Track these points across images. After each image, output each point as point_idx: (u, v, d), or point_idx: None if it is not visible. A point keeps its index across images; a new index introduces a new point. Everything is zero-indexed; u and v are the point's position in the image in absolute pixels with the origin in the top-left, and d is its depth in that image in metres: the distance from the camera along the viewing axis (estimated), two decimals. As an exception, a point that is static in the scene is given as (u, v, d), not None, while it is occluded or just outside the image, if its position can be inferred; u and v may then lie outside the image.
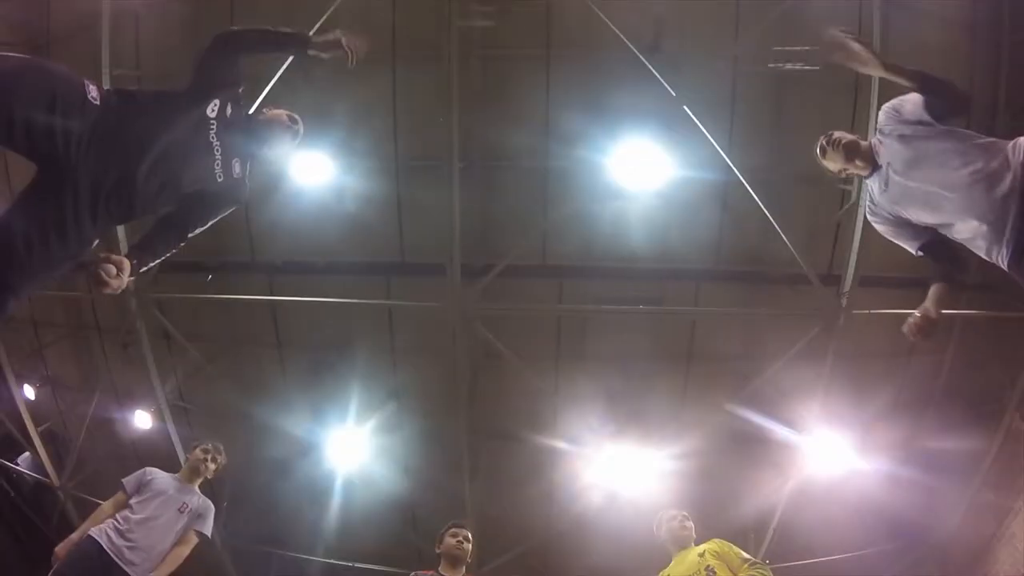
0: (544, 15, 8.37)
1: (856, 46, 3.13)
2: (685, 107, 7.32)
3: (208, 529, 5.18)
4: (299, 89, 8.30)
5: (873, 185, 3.33)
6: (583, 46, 8.31)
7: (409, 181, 9.00)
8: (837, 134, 3.45)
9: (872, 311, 7.83)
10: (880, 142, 3.26)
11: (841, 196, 8.61)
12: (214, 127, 2.99)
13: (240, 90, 3.23)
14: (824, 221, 8.70)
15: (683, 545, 4.78)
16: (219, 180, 3.05)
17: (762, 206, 7.53)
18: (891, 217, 3.27)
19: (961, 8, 8.29)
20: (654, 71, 7.34)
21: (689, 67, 7.86)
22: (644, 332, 9.54)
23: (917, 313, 3.12)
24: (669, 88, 7.32)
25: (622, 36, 7.34)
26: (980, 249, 2.90)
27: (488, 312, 8.21)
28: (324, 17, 7.36)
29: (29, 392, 10.68)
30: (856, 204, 7.56)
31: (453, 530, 4.60)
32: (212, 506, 5.28)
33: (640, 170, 8.12)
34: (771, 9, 7.57)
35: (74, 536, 4.86)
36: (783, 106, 8.65)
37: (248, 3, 8.45)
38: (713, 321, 9.49)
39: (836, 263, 8.63)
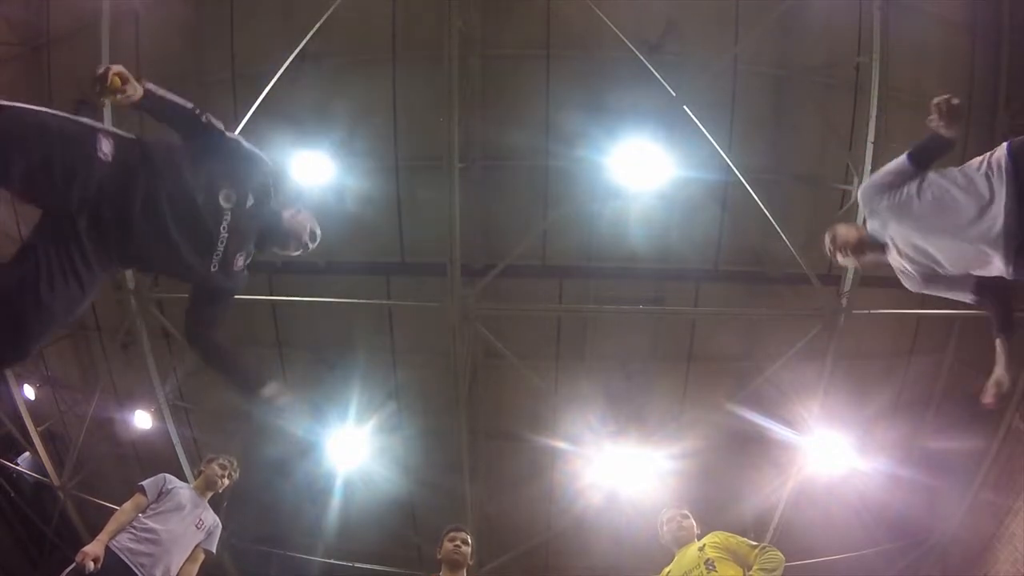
0: (544, 15, 8.37)
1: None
2: (685, 107, 7.33)
3: (214, 547, 5.16)
4: (299, 89, 8.32)
5: (894, 260, 3.23)
6: (583, 46, 8.31)
7: (409, 181, 9.00)
8: (841, 238, 3.37)
9: (872, 311, 7.83)
10: (874, 223, 3.20)
11: (841, 196, 8.62)
12: (228, 218, 2.73)
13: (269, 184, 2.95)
14: (824, 221, 8.66)
15: (684, 543, 4.78)
16: (213, 270, 2.81)
17: (762, 206, 7.53)
18: (930, 275, 3.15)
19: (961, 8, 8.30)
20: (654, 71, 7.34)
21: (689, 67, 7.86)
22: (644, 332, 9.54)
23: (991, 384, 3.01)
24: (669, 88, 7.33)
25: (622, 36, 7.34)
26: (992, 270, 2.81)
27: (488, 312, 8.21)
28: (324, 17, 7.37)
29: (29, 392, 10.66)
30: (856, 204, 7.55)
31: (451, 534, 4.60)
32: (220, 524, 5.27)
33: (640, 170, 8.12)
34: (771, 9, 7.56)
35: (102, 538, 4.55)
36: (783, 106, 8.65)
37: (248, 4, 8.45)
38: (713, 321, 9.48)
39: (836, 263, 8.62)
